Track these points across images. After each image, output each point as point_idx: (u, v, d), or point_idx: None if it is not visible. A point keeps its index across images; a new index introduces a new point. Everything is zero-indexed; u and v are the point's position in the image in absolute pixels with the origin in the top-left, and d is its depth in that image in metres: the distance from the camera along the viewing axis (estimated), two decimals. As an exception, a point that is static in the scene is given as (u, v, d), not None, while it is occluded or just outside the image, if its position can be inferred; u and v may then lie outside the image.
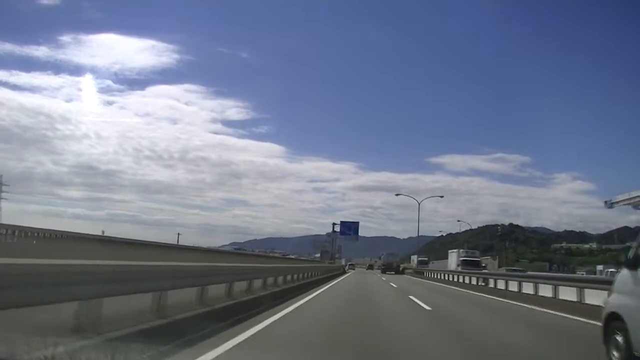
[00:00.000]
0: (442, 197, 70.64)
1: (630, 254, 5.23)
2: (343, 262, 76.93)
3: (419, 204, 61.47)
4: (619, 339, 4.86)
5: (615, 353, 4.96)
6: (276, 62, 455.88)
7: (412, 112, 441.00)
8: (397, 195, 69.53)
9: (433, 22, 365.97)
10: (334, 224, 70.66)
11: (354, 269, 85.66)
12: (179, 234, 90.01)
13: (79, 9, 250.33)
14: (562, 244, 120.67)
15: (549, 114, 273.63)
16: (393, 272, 53.25)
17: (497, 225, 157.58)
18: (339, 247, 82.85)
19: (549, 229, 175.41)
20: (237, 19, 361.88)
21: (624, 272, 5.28)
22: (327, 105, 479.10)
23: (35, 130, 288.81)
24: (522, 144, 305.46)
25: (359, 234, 72.07)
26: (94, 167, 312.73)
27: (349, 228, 68.70)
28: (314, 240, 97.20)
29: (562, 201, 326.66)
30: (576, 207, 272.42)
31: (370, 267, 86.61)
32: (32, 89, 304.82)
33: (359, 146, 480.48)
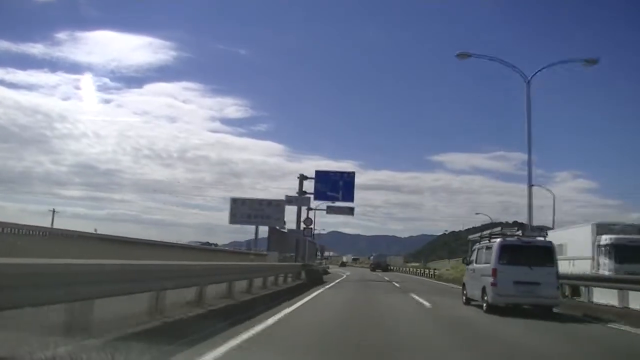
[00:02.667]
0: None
1: (467, 259, 16.21)
2: (318, 257, 59.16)
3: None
4: (464, 291, 14.93)
5: (463, 297, 14.86)
6: (275, 59, 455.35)
7: (413, 110, 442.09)
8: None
9: (434, 21, 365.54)
10: (301, 177, 31.57)
11: (344, 266, 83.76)
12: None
13: (74, 6, 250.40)
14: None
15: (550, 112, 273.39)
16: (381, 270, 61.72)
17: (500, 222, 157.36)
18: (320, 247, 63.20)
19: (551, 228, 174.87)
20: (235, 15, 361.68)
21: (467, 267, 15.63)
22: (327, 104, 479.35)
23: (34, 130, 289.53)
24: (524, 142, 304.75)
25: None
26: (93, 167, 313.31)
27: (333, 185, 31.93)
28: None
29: (564, 199, 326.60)
30: (577, 206, 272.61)
31: (374, 268, 66.03)
32: (29, 87, 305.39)
33: (359, 144, 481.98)
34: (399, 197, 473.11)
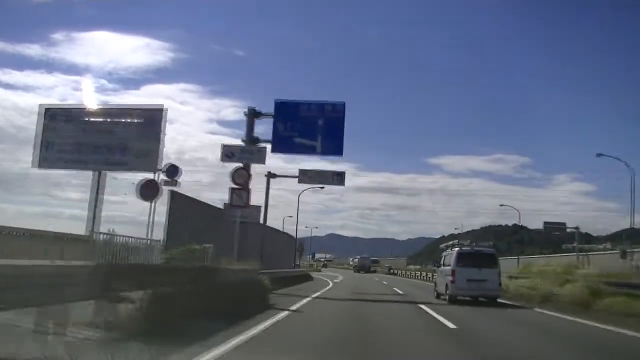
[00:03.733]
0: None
1: (437, 263, 21.31)
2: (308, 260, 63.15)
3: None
4: (435, 288, 19.40)
5: (435, 292, 18.99)
6: (273, 61, 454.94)
7: (411, 112, 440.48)
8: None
9: (433, 23, 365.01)
10: (251, 113, 19.35)
11: (325, 267, 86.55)
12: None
13: (70, 6, 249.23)
14: (574, 245, 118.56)
15: (548, 114, 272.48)
16: (364, 271, 64.75)
17: (500, 225, 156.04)
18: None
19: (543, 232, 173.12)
20: (233, 17, 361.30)
21: (437, 269, 20.80)
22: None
23: (30, 131, 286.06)
24: (522, 145, 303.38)
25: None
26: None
27: (308, 125, 19.01)
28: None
29: (561, 202, 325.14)
30: (575, 209, 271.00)
31: (358, 269, 67.94)
32: (26, 88, 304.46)
33: (357, 146, 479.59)
34: (397, 200, 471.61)
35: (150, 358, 5.08)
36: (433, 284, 21.02)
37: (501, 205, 61.90)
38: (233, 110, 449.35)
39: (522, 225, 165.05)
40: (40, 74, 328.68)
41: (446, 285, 16.79)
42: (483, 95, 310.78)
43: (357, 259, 77.63)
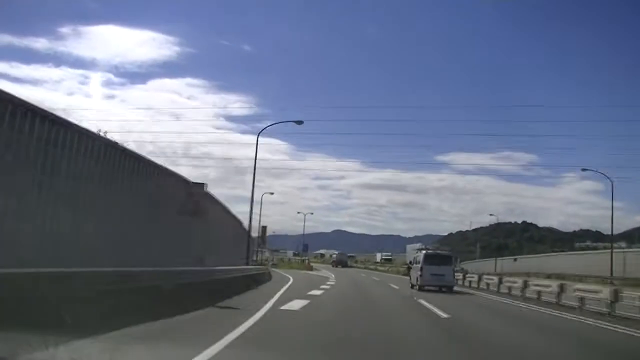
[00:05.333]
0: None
1: (411, 262, 28.33)
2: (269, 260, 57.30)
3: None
4: (410, 280, 25.58)
5: (410, 284, 25.26)
6: (280, 56, 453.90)
7: (418, 109, 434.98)
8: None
9: (438, 19, 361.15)
10: None
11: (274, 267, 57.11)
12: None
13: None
14: (587, 243, 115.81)
15: (557, 111, 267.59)
16: (341, 266, 71.70)
17: (509, 222, 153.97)
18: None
19: (557, 229, 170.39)
20: (239, 11, 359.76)
21: (412, 266, 26.55)
22: (332, 101, 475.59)
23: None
24: (530, 142, 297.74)
25: None
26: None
27: None
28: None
29: (570, 201, 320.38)
30: (584, 208, 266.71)
31: (336, 264, 74.12)
32: (34, 82, 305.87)
33: (364, 143, 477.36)
34: (404, 197, 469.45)
35: None
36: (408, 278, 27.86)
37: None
38: (239, 105, 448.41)
39: (531, 223, 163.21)
40: (48, 67, 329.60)
41: (417, 278, 23.28)
42: (491, 91, 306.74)
43: (335, 255, 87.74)
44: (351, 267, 76.46)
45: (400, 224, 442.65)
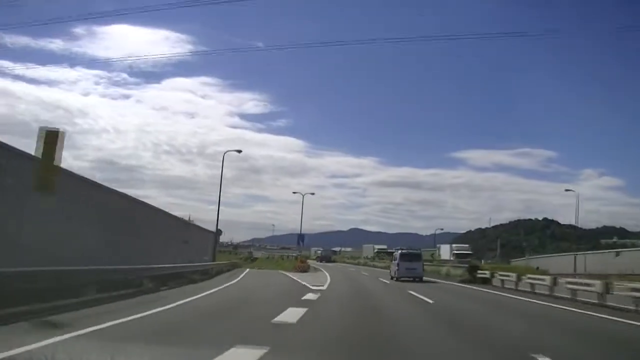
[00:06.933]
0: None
1: (392, 259, 36.36)
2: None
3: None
4: (390, 273, 32.73)
5: (390, 275, 32.26)
6: (294, 53, 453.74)
7: (434, 105, 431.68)
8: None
9: (455, 14, 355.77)
10: None
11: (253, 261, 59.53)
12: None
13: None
14: (614, 240, 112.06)
15: (576, 107, 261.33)
16: (325, 261, 77.29)
17: (529, 219, 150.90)
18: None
19: (578, 226, 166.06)
20: (252, 7, 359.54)
21: (392, 262, 34.12)
22: (348, 99, 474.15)
23: (55, 125, 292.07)
24: (548, 138, 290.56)
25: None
26: (114, 162, 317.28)
27: None
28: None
29: (589, 198, 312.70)
30: (603, 204, 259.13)
31: (321, 260, 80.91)
32: (50, 83, 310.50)
33: (380, 140, 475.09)
34: (420, 195, 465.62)
35: None
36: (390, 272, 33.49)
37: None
38: (254, 103, 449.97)
39: (552, 220, 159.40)
40: (63, 68, 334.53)
41: (395, 271, 30.52)
42: (508, 88, 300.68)
43: (320, 252, 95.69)
44: (334, 262, 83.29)
45: (417, 221, 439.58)
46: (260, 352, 5.79)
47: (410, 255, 30.92)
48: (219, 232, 41.58)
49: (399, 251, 32.02)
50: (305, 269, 39.67)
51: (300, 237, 54.02)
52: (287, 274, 33.84)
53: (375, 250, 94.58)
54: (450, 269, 38.98)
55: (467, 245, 78.20)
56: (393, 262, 32.52)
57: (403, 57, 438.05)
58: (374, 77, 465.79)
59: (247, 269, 39.58)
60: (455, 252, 69.30)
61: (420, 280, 28.32)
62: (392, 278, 30.54)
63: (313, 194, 77.63)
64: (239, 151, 41.58)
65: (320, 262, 75.22)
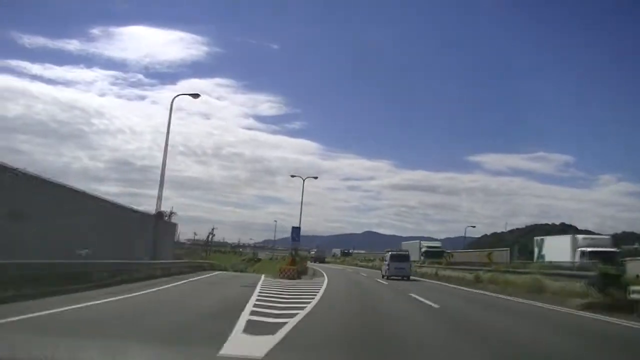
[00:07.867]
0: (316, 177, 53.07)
1: (383, 259, 39.92)
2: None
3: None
4: (382, 272, 35.62)
5: (381, 275, 35.02)
6: (309, 55, 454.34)
7: (449, 108, 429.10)
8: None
9: (469, 17, 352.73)
10: None
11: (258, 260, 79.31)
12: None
13: (107, 0, 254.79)
14: (635, 246, 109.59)
15: (593, 111, 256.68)
16: (319, 262, 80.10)
17: (546, 224, 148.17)
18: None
19: (596, 232, 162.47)
20: (267, 9, 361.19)
21: (383, 262, 37.49)
22: (363, 101, 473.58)
23: (72, 125, 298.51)
24: (565, 143, 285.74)
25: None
26: (130, 163, 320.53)
27: None
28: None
29: (606, 203, 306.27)
30: (620, 210, 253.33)
31: (315, 260, 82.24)
32: (66, 83, 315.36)
33: (394, 143, 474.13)
34: (435, 198, 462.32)
35: None
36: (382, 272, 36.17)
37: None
38: (268, 105, 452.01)
39: (570, 224, 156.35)
40: (80, 69, 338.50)
41: (386, 270, 33.66)
42: (525, 91, 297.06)
43: (313, 252, 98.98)
44: (327, 262, 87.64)
45: (431, 225, 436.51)
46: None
47: (399, 256, 34.16)
48: (159, 216, 28.41)
49: (389, 252, 35.68)
50: (293, 275, 26.50)
51: (296, 231, 36.79)
52: (267, 282, 21.61)
53: (423, 250, 57.93)
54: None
55: (607, 237, 40.03)
56: (384, 262, 35.79)
57: (418, 61, 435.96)
58: (390, 80, 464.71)
59: (215, 272, 30.87)
60: (588, 249, 32.96)
61: (408, 279, 31.06)
62: (383, 276, 33.75)
63: (316, 177, 53.99)
64: (195, 95, 30.15)
65: (314, 262, 76.64)
